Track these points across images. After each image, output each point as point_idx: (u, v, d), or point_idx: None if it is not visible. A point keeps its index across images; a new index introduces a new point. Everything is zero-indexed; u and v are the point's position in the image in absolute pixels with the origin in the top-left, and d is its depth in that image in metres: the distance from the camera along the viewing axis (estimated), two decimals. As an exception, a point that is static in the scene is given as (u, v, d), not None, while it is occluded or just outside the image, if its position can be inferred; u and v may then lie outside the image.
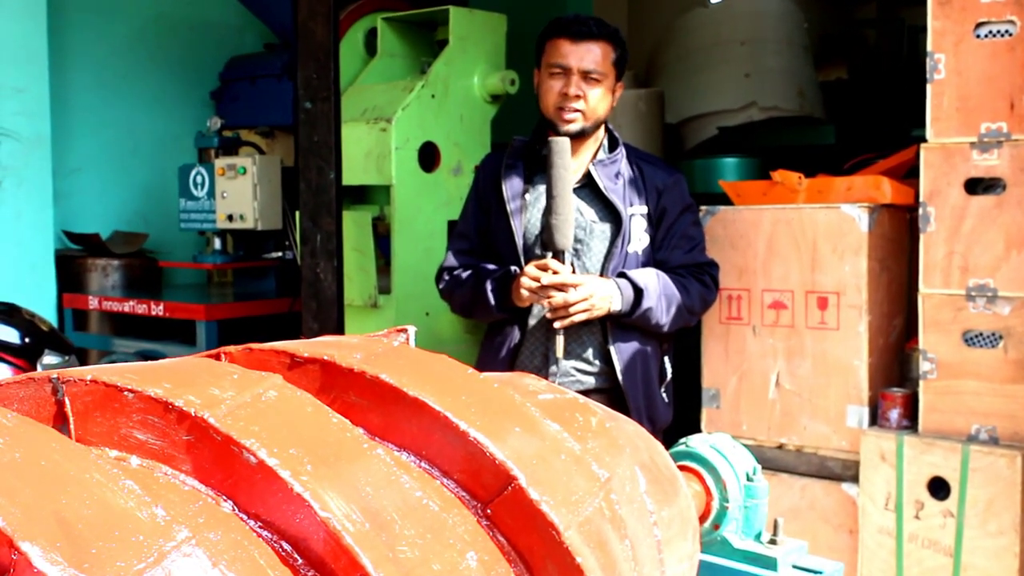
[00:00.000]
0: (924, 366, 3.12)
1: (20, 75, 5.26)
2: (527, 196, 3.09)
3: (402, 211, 4.55)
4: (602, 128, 3.14)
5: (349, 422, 0.98)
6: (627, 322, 3.02)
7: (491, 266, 3.11)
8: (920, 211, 3.11)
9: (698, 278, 3.13)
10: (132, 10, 6.43)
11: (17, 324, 3.53)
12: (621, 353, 3.05)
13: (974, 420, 3.05)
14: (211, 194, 5.67)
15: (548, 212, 2.86)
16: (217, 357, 1.06)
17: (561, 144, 2.85)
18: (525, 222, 3.08)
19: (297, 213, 3.88)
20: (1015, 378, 2.98)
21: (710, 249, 3.45)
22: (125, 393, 0.85)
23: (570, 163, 2.87)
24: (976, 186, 3.05)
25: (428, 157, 4.68)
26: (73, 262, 5.82)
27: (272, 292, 5.89)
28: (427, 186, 4.64)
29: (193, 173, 5.79)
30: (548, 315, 2.93)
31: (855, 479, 3.25)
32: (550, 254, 2.90)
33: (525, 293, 2.92)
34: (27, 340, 3.52)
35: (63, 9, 5.89)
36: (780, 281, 3.36)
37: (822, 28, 6.67)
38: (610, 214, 3.05)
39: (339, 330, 3.70)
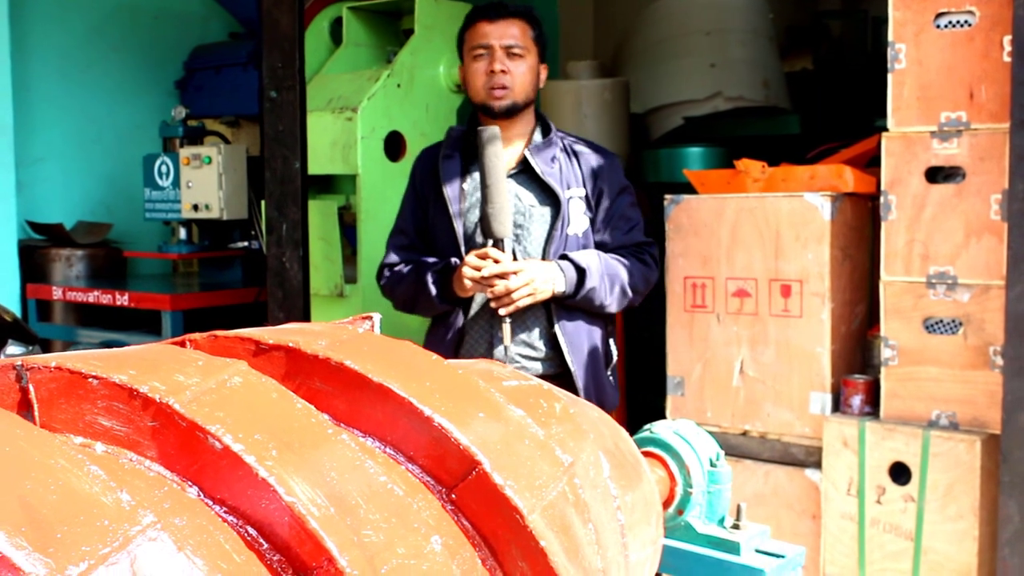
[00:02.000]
0: (885, 353, 3.15)
1: (-19, 64, 5.21)
2: (465, 186, 3.11)
3: (368, 201, 4.54)
4: (532, 113, 3.17)
5: (314, 407, 0.98)
6: (571, 304, 3.04)
7: (431, 259, 3.12)
8: (881, 199, 3.14)
9: (638, 257, 3.15)
10: (95, -2, 6.37)
11: (-20, 315, 3.50)
12: (568, 335, 3.07)
13: (934, 406, 3.09)
14: (176, 184, 5.63)
15: (484, 201, 2.90)
16: (182, 344, 1.07)
17: (491, 132, 2.91)
18: (464, 212, 3.09)
19: (263, 203, 3.87)
20: (974, 364, 3.02)
21: (674, 238, 3.48)
22: (90, 380, 0.85)
23: (501, 151, 2.92)
24: (936, 175, 3.09)
25: (394, 146, 4.67)
26: (37, 252, 5.76)
27: (238, 282, 5.86)
28: (393, 176, 4.63)
29: (158, 163, 5.74)
30: (492, 304, 2.95)
31: (818, 465, 3.28)
32: (490, 242, 2.93)
33: (467, 283, 2.93)
34: (-10, 331, 3.49)
35: (25, -3, 5.83)
36: (744, 269, 3.39)
37: (787, 19, 6.71)
38: (548, 198, 3.08)
39: (305, 319, 3.69)
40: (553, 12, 7.42)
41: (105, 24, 6.39)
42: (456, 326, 3.10)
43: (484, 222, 2.91)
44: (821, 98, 5.89)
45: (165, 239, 6.12)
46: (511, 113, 3.08)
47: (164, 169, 5.72)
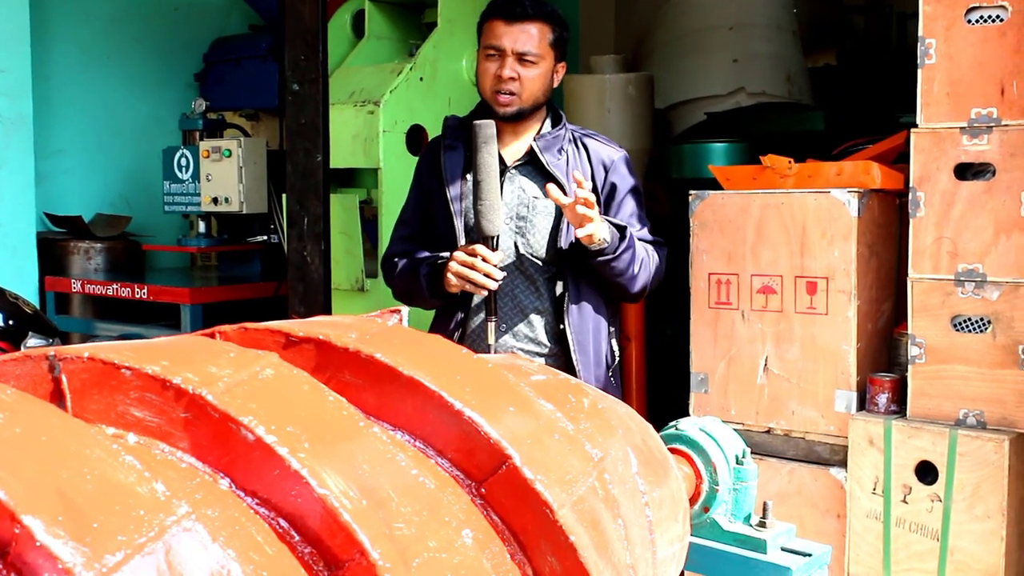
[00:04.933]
0: (912, 351, 3.13)
1: (1, 55, 5.21)
2: (468, 176, 3.01)
3: (389, 194, 4.53)
4: (542, 109, 3.10)
5: (345, 400, 0.98)
6: (603, 264, 2.90)
7: (425, 253, 3.06)
8: (910, 196, 3.11)
9: (659, 252, 3.08)
10: (116, -10, 6.38)
11: (1, 306, 3.51)
12: (576, 333, 2.99)
13: (962, 405, 3.06)
14: (196, 177, 5.63)
15: (475, 198, 2.81)
16: (212, 336, 1.06)
17: (486, 128, 2.80)
18: (465, 205, 3.03)
19: (284, 196, 3.87)
20: (1003, 363, 2.99)
21: (699, 234, 3.46)
22: (123, 370, 0.85)
23: (495, 147, 2.81)
24: (966, 171, 3.05)
25: (416, 140, 4.66)
26: (55, 245, 5.78)
27: (257, 276, 5.86)
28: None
29: (177, 155, 5.75)
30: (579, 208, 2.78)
31: (843, 464, 3.26)
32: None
33: (452, 279, 2.86)
34: (11, 323, 3.50)
35: (46, -11, 5.84)
36: (769, 266, 3.37)
37: (811, 14, 6.66)
38: None
39: (326, 314, 3.69)
40: (574, 5, 7.40)
41: (125, 16, 6.40)
42: (457, 320, 3.05)
43: (474, 219, 2.83)
44: (845, 94, 5.86)
45: (184, 232, 6.13)
46: (516, 118, 3.01)
47: (184, 162, 5.72)
